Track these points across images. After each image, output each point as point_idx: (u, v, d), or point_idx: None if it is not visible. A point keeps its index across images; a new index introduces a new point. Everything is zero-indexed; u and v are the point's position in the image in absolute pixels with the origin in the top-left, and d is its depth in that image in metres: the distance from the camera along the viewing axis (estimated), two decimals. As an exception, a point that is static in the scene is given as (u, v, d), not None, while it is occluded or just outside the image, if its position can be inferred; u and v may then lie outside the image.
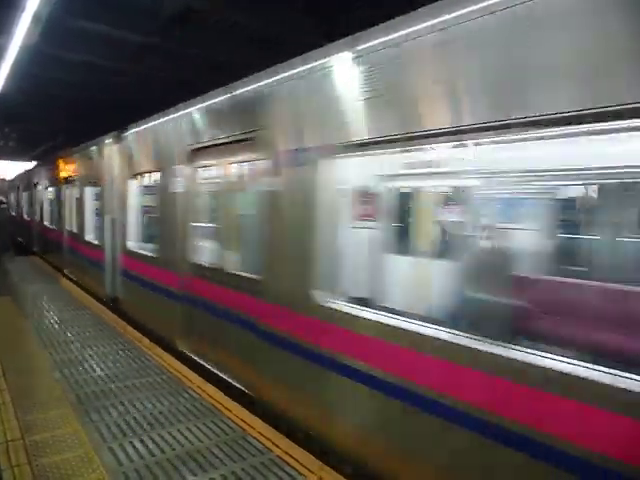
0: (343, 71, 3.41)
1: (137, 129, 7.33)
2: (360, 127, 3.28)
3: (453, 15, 2.63)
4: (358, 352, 3.29)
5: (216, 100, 4.99)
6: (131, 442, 3.62)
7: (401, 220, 4.95)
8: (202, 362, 5.23)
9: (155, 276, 6.42)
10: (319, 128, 3.65)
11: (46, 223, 13.95)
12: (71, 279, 10.54)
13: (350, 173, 3.84)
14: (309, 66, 3.70)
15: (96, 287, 8.79)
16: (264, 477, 3.22)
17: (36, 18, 6.13)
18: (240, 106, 4.63)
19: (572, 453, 2.22)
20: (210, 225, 5.52)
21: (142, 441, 3.64)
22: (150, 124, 6.80)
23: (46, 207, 14.20)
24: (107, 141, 8.36)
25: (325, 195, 3.57)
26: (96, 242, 9.01)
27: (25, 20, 6.13)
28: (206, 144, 5.16)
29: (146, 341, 6.15)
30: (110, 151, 8.23)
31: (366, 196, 4.64)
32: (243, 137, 4.46)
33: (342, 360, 3.38)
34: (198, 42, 8.53)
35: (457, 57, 2.71)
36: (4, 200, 22.38)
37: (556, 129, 2.30)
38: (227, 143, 4.78)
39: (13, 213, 21.55)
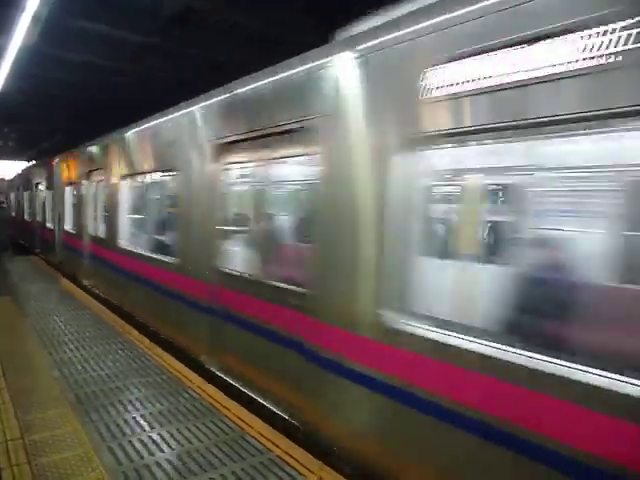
0: (110, 147, 8.43)
1: (68, 154, 11.56)
2: (120, 168, 7.85)
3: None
4: (120, 262, 7.81)
5: (91, 148, 9.62)
6: (130, 442, 3.61)
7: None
8: (90, 287, 9.53)
9: (74, 244, 10.78)
10: (110, 168, 8.32)
11: (26, 217, 17.98)
12: (40, 257, 14.54)
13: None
14: (101, 143, 8.99)
15: (52, 258, 12.99)
16: (264, 477, 3.22)
17: (36, 18, 6.14)
18: (98, 153, 9.28)
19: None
20: (92, 212, 9.73)
21: (141, 441, 3.64)
22: (75, 152, 10.93)
23: (26, 205, 18.24)
24: (56, 160, 12.66)
25: (122, 198, 7.80)
26: (51, 227, 13.21)
27: (25, 20, 6.14)
28: (93, 168, 9.53)
29: (146, 341, 6.15)
30: (57, 166, 12.50)
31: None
32: (99, 168, 9.05)
33: (115, 265, 8.02)
34: (198, 42, 8.54)
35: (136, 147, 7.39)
36: (3, 200, 22.56)
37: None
38: (97, 169, 9.23)
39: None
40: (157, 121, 6.49)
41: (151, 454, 3.45)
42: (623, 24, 1.97)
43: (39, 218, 15.01)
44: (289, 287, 3.95)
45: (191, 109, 5.54)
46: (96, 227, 9.38)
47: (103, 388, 4.62)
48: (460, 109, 2.65)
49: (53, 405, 4.16)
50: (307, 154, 3.77)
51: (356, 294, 3.25)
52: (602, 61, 2.04)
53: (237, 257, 4.97)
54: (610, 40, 2.02)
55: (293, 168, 4.66)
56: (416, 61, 2.85)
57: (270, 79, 4.22)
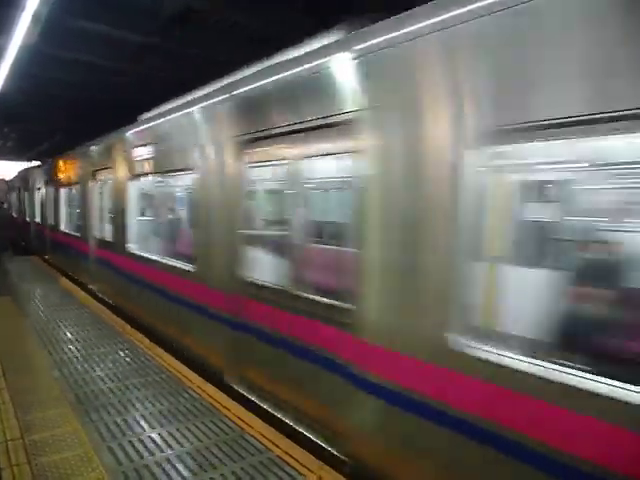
0: (52, 166, 13.78)
1: (36, 167, 17.33)
2: (56, 180, 12.99)
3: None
4: (59, 238, 12.54)
5: (45, 164, 15.31)
6: (130, 442, 3.62)
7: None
8: (49, 260, 13.56)
9: (42, 230, 14.85)
10: (53, 180, 13.42)
11: (14, 214, 22.62)
12: (22, 246, 18.37)
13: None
14: (50, 163, 14.24)
15: (30, 244, 17.16)
16: (263, 477, 3.22)
17: (36, 18, 6.12)
18: (47, 169, 14.36)
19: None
20: (48, 208, 13.95)
21: (141, 441, 3.64)
22: (39, 165, 16.66)
23: (15, 204, 22.97)
24: (30, 170, 18.22)
25: (61, 199, 12.43)
26: (28, 220, 17.88)
27: (25, 20, 6.13)
28: (46, 179, 14.23)
29: (146, 341, 6.15)
30: (32, 174, 17.26)
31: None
32: (49, 179, 13.75)
33: (58, 241, 12.62)
34: (198, 42, 8.52)
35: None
36: (3, 200, 22.81)
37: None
38: (49, 179, 13.81)
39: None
40: (61, 159, 12.29)
41: (151, 454, 3.45)
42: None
43: (23, 214, 20.11)
44: (103, 238, 8.80)
45: (73, 154, 11.18)
46: (50, 217, 13.75)
47: (103, 388, 4.62)
48: (139, 165, 6.95)
49: (53, 405, 4.16)
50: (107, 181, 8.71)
51: (120, 239, 7.62)
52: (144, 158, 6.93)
53: (99, 230, 9.29)
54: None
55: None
56: (130, 145, 7.33)
57: (81, 151, 10.23)
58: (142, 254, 6.94)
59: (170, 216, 7.50)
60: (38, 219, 15.74)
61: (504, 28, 2.35)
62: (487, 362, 2.44)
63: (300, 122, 3.62)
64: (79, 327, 6.77)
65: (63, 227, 12.13)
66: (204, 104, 5.14)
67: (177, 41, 8.52)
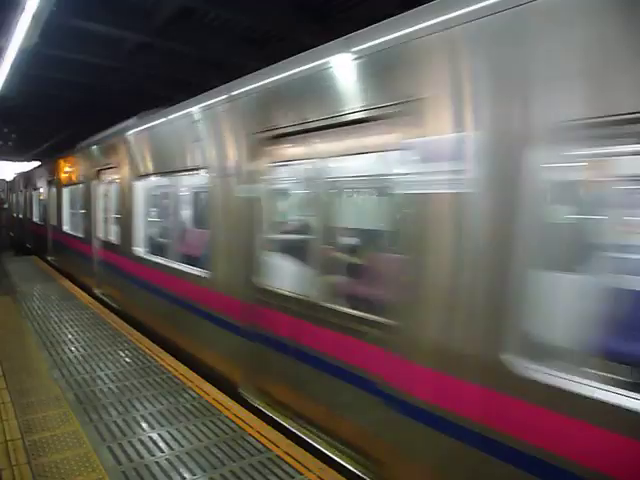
0: (22, 178, 20.77)
1: (23, 173, 20.79)
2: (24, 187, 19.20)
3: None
4: (34, 230, 17.00)
5: (22, 174, 21.18)
6: (130, 442, 3.62)
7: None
8: (30, 247, 17.13)
9: (23, 222, 19.07)
10: (23, 187, 19.83)
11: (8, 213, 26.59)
12: (12, 237, 21.47)
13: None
14: (23, 175, 20.87)
15: (22, 237, 19.70)
16: (263, 476, 3.22)
17: (36, 19, 6.13)
18: (20, 179, 21.08)
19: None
20: (27, 206, 18.46)
21: (141, 441, 3.64)
22: (24, 172, 20.52)
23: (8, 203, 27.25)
24: (20, 175, 21.46)
25: (34, 200, 17.17)
26: (15, 216, 21.87)
27: (24, 21, 6.14)
28: (25, 185, 18.91)
29: (146, 341, 6.16)
30: (19, 179, 20.99)
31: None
32: (25, 185, 18.87)
33: (34, 229, 17.08)
34: (196, 41, 8.54)
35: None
36: (4, 200, 22.96)
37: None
38: (25, 186, 19.03)
39: None
40: (36, 169, 17.06)
41: (151, 454, 3.46)
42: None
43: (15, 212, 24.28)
44: (53, 224, 13.04)
45: (42, 165, 16.03)
46: (27, 213, 17.99)
47: (103, 388, 4.62)
48: (65, 178, 11.74)
49: (53, 405, 4.17)
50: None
51: (59, 223, 12.32)
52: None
53: (51, 219, 13.26)
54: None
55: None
56: (61, 165, 12.04)
57: (45, 164, 15.52)
58: (69, 232, 11.49)
59: (78, 210, 10.94)
60: (21, 214, 20.33)
61: (154, 141, 6.58)
62: (147, 260, 6.61)
63: (103, 166, 8.37)
64: (79, 327, 6.77)
65: (35, 219, 16.85)
66: (79, 152, 10.31)
67: (175, 40, 8.54)
